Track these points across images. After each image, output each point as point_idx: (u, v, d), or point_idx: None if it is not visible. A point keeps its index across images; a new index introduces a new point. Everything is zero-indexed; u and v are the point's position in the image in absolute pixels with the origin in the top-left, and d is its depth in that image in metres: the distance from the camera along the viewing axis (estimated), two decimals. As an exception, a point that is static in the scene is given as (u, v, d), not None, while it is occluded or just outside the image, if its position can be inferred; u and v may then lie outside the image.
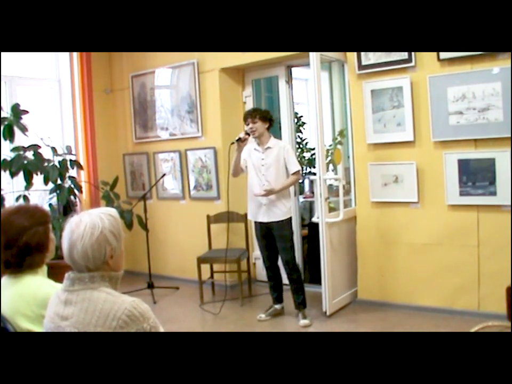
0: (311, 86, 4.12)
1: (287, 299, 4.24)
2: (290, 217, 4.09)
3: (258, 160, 4.06)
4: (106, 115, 5.84)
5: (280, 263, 4.18)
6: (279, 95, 5.11)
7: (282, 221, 4.01)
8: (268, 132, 4.08)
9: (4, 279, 1.87)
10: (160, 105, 5.55)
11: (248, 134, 4.03)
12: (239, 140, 4.00)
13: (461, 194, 3.82)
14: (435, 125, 3.87)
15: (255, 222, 4.17)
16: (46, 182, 4.52)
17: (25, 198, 4.39)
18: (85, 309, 1.50)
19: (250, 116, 4.02)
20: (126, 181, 5.91)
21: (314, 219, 4.19)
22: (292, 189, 4.69)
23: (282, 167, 4.01)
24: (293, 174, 4.01)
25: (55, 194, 4.64)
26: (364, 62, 4.16)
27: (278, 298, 4.24)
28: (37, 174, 4.45)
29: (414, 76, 3.96)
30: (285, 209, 4.02)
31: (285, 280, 4.23)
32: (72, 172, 4.88)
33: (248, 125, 4.02)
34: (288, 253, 4.04)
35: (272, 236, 4.07)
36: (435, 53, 3.80)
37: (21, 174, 4.37)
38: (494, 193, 3.68)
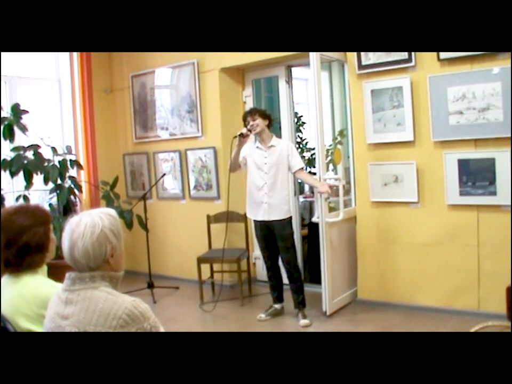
0: (311, 86, 4.12)
1: (287, 299, 4.24)
2: (291, 217, 4.09)
3: (260, 158, 4.05)
4: (106, 115, 5.84)
5: (280, 262, 4.18)
6: (279, 95, 5.11)
7: (283, 220, 4.01)
8: (269, 131, 4.09)
9: (4, 278, 1.87)
10: (160, 105, 5.55)
11: (250, 131, 4.02)
12: (241, 135, 3.99)
13: (461, 194, 3.82)
14: (435, 124, 3.87)
15: (255, 221, 4.16)
16: (46, 182, 4.52)
17: (25, 198, 4.40)
18: (85, 308, 1.51)
19: (249, 114, 4.05)
20: (126, 181, 5.91)
21: (314, 219, 4.19)
22: (291, 188, 4.70)
23: (286, 165, 4.01)
24: (298, 171, 4.02)
25: (55, 194, 4.64)
26: (364, 62, 4.16)
27: (278, 298, 4.24)
28: (37, 174, 4.45)
29: (414, 75, 3.96)
30: (286, 208, 4.02)
31: (285, 279, 4.23)
32: (72, 172, 4.88)
33: (248, 123, 4.03)
34: (289, 253, 4.04)
35: (272, 235, 4.07)
36: (435, 53, 3.80)
37: (21, 174, 4.37)
38: (494, 193, 3.68)
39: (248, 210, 4.24)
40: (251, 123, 4.01)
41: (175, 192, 5.55)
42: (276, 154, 4.02)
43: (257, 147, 4.09)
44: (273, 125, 4.26)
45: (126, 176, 5.91)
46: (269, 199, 4.01)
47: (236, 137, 4.05)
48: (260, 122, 4.00)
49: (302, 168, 4.06)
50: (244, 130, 4.02)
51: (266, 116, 4.07)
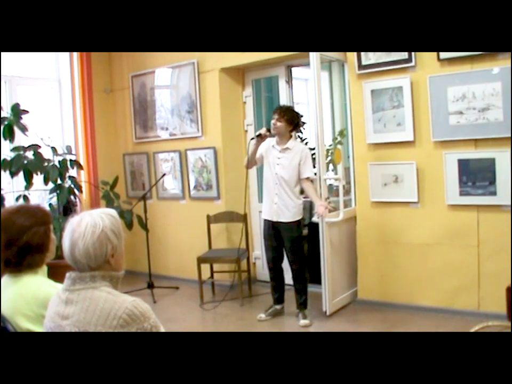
0: (311, 86, 4.12)
1: (288, 299, 4.24)
2: (300, 220, 4.04)
3: (274, 158, 4.01)
4: (106, 115, 5.84)
5: (283, 263, 4.16)
6: (279, 95, 5.11)
7: (291, 222, 3.97)
8: (289, 133, 4.02)
9: (4, 278, 1.88)
10: (160, 105, 5.55)
11: (269, 131, 3.97)
12: (259, 135, 3.96)
13: (461, 194, 3.82)
14: (435, 124, 3.87)
15: (264, 220, 4.11)
16: (46, 182, 4.52)
17: (25, 198, 4.40)
18: (85, 308, 1.51)
19: (279, 113, 3.95)
20: (126, 181, 5.91)
21: (314, 219, 4.19)
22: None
23: (296, 169, 3.95)
24: (305, 179, 3.95)
25: (55, 194, 4.64)
26: (364, 62, 4.16)
27: (279, 299, 4.23)
28: (37, 174, 4.45)
29: (414, 75, 3.96)
30: (294, 211, 3.98)
31: (288, 280, 4.23)
32: (72, 172, 4.88)
33: (273, 119, 3.96)
34: (295, 254, 4.01)
35: (279, 237, 4.04)
36: (435, 53, 3.80)
37: (21, 174, 4.37)
38: (494, 193, 3.68)
39: (263, 209, 4.18)
40: (273, 121, 3.95)
41: (175, 192, 5.55)
42: (290, 157, 3.96)
43: (273, 146, 4.04)
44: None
45: (126, 176, 5.91)
46: (279, 200, 3.98)
47: (253, 138, 4.02)
48: (281, 126, 3.93)
49: (309, 178, 3.98)
50: (263, 131, 3.97)
51: (293, 122, 3.97)
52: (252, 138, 4.06)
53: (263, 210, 4.17)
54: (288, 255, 4.07)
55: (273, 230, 4.05)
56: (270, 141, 4.07)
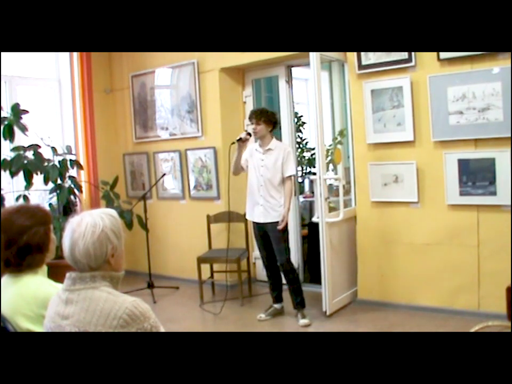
0: (311, 86, 4.12)
1: (286, 299, 4.24)
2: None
3: (258, 160, 4.08)
4: (106, 115, 5.84)
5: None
6: (279, 95, 5.11)
7: (277, 222, 4.00)
8: (270, 134, 4.09)
9: (4, 278, 1.87)
10: (160, 105, 5.55)
11: (250, 134, 4.06)
12: (240, 139, 4.03)
13: (461, 194, 3.82)
14: (435, 124, 3.87)
15: (253, 222, 4.20)
16: (46, 181, 4.52)
17: (25, 198, 4.40)
18: (85, 308, 1.51)
19: (255, 116, 4.02)
20: (126, 180, 5.91)
21: (314, 219, 4.19)
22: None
23: (280, 169, 4.01)
24: (287, 178, 4.01)
25: (55, 194, 4.64)
26: (364, 62, 4.16)
27: (278, 298, 4.24)
28: (37, 174, 4.45)
29: (414, 75, 3.96)
30: (280, 209, 4.01)
31: (284, 280, 4.24)
32: (72, 172, 4.88)
33: (252, 124, 4.04)
34: (283, 254, 4.03)
35: (268, 236, 4.08)
36: (435, 53, 3.80)
37: (21, 174, 4.37)
38: (494, 193, 3.68)
39: (246, 210, 4.26)
40: (253, 126, 4.02)
41: (175, 192, 5.55)
42: (273, 158, 4.02)
43: (256, 149, 4.12)
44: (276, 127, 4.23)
45: (126, 176, 5.91)
46: (264, 201, 4.03)
47: (234, 143, 4.07)
48: (261, 129, 4.00)
49: (290, 176, 4.02)
50: (243, 135, 4.05)
51: (271, 121, 4.04)
52: (233, 143, 4.11)
53: (247, 212, 4.23)
54: (277, 257, 4.08)
55: (262, 230, 4.10)
56: (253, 146, 4.14)
